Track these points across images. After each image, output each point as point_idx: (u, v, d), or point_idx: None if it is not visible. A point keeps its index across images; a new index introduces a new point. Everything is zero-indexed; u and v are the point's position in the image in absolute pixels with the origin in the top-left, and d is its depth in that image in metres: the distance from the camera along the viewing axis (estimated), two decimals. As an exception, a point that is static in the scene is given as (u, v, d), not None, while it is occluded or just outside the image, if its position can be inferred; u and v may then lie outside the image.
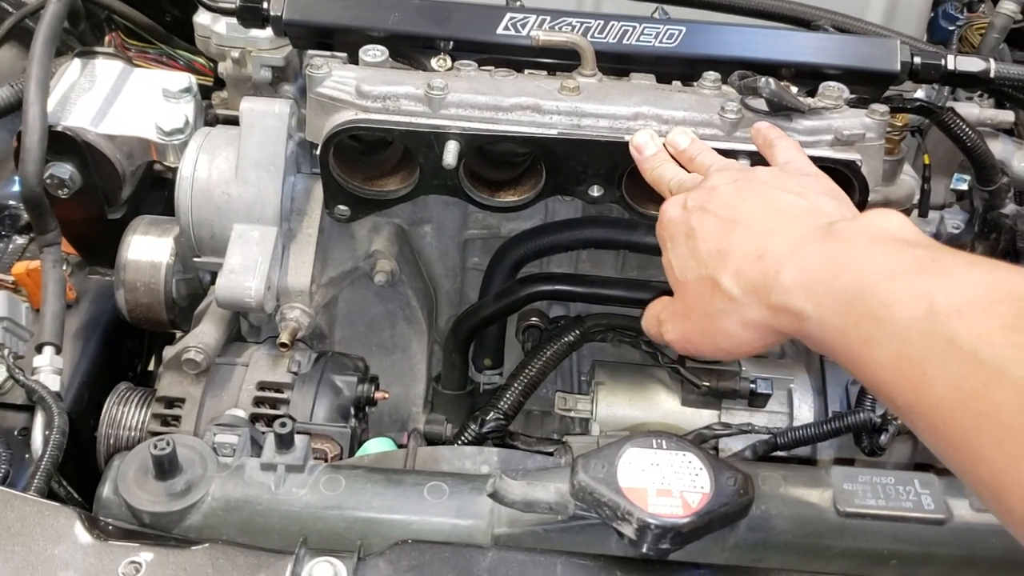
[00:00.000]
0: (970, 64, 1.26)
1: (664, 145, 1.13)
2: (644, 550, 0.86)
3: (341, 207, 1.24)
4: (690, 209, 0.97)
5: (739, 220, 0.91)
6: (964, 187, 1.65)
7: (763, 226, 0.89)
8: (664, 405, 1.50)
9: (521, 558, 0.88)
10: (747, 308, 0.87)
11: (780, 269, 0.83)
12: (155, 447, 0.92)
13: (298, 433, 1.01)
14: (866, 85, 1.25)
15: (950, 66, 1.26)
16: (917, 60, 1.25)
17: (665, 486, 0.87)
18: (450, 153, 1.14)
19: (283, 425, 0.96)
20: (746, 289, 0.87)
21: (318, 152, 1.18)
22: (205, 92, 1.51)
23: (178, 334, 1.56)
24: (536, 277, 1.50)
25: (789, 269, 0.83)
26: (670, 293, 1.47)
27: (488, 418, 1.40)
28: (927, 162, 1.40)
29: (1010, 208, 1.36)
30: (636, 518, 0.84)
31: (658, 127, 1.17)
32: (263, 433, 1.02)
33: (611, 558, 0.90)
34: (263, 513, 0.95)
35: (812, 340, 0.81)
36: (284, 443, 0.97)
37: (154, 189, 1.54)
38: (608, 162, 1.20)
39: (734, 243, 0.90)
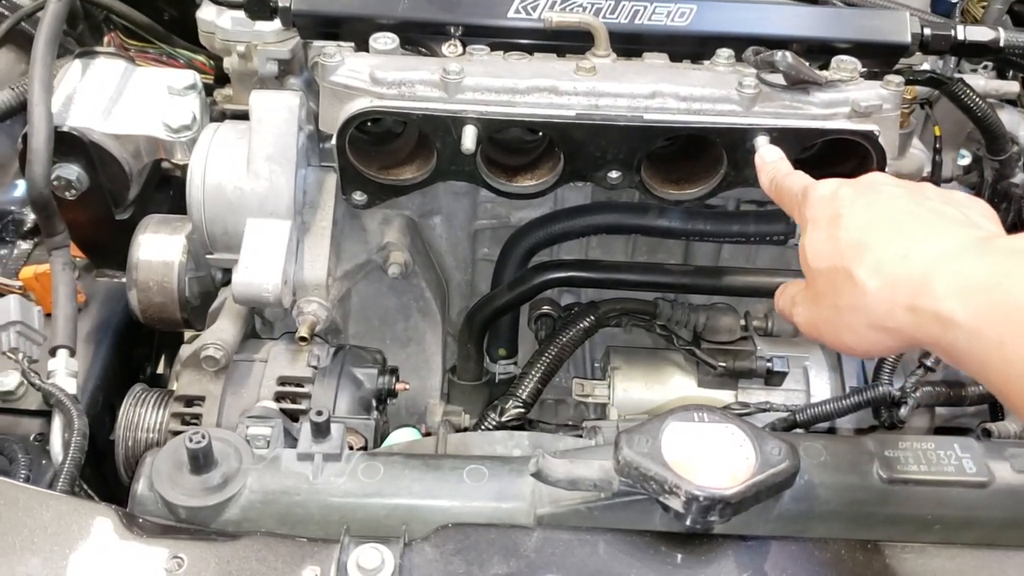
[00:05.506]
0: (980, 34, 1.27)
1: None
2: (689, 523, 0.86)
3: (358, 194, 1.23)
4: (842, 196, 0.92)
5: (892, 218, 0.87)
6: (967, 162, 1.66)
7: (916, 228, 0.85)
8: (681, 387, 1.50)
9: (566, 536, 0.88)
10: (878, 308, 0.83)
11: (930, 272, 0.79)
12: (190, 440, 0.90)
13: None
14: (877, 58, 1.26)
15: (960, 36, 1.26)
16: (927, 31, 1.25)
17: (710, 458, 0.86)
18: (468, 137, 1.14)
19: (319, 414, 0.95)
20: (881, 286, 0.83)
21: (334, 140, 1.17)
22: (207, 90, 1.49)
23: (187, 334, 1.55)
24: (548, 264, 1.49)
25: (943, 275, 0.78)
26: (686, 275, 1.48)
27: (508, 406, 1.40)
28: (938, 133, 1.40)
29: (1020, 178, 1.37)
30: (684, 491, 0.83)
31: (676, 105, 1.16)
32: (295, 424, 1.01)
33: (655, 533, 0.89)
34: (302, 503, 0.94)
35: (955, 350, 0.77)
36: (320, 432, 0.95)
37: (159, 189, 1.53)
38: (627, 146, 1.19)
39: (878, 238, 0.86)
